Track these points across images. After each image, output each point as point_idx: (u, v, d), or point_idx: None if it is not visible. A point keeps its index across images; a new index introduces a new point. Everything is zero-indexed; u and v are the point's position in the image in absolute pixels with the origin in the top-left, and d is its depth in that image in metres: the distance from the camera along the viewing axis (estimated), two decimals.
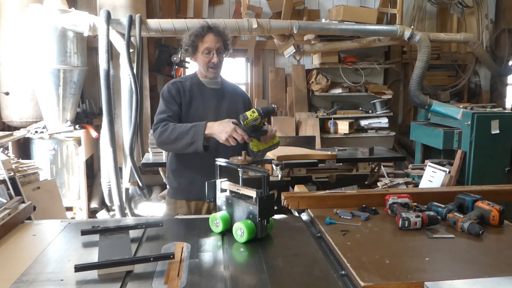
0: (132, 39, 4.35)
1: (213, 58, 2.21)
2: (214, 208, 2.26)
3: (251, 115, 1.92)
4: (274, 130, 2.08)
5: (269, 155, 3.85)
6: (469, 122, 4.13)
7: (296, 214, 2.09)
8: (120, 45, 4.31)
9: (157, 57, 5.49)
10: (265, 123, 2.02)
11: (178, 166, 2.32)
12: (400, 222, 1.79)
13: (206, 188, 1.92)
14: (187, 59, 5.70)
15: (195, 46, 2.23)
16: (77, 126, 4.65)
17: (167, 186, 2.40)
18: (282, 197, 2.09)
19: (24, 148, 4.60)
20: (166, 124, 2.15)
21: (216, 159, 1.94)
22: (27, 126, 4.66)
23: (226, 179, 1.92)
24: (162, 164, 3.86)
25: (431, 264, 1.47)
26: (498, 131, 4.11)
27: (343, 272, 1.44)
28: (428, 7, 6.13)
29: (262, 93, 6.01)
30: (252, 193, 1.73)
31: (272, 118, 5.67)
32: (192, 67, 5.89)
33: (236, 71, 6.18)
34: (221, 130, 1.99)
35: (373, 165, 4.23)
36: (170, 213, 2.35)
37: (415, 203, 2.00)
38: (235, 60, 6.11)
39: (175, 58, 5.40)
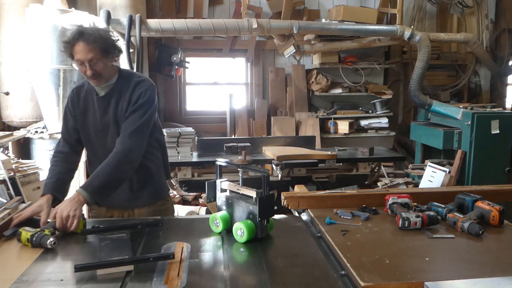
0: (132, 39, 4.34)
1: (86, 70, 1.96)
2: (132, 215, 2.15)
3: (26, 230, 1.67)
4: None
5: (269, 155, 3.85)
6: (469, 122, 4.13)
7: (296, 214, 2.08)
8: (120, 45, 4.30)
9: (157, 57, 5.49)
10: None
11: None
12: (400, 222, 1.79)
13: (206, 188, 1.92)
14: (187, 59, 5.72)
15: (69, 54, 2.02)
16: None
17: None
18: (282, 197, 2.09)
19: (24, 148, 4.59)
20: (55, 155, 2.13)
21: (216, 159, 1.94)
22: (27, 126, 4.65)
23: (226, 179, 1.92)
24: None
25: (431, 264, 1.47)
26: (498, 131, 4.11)
27: (343, 272, 1.44)
28: (428, 7, 6.12)
29: (262, 93, 6.01)
30: (252, 193, 1.73)
31: (272, 118, 5.67)
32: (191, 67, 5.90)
33: (236, 71, 6.19)
34: None
35: (373, 165, 4.23)
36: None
37: (415, 203, 2.00)
38: (235, 60, 6.11)
39: (175, 58, 5.41)
